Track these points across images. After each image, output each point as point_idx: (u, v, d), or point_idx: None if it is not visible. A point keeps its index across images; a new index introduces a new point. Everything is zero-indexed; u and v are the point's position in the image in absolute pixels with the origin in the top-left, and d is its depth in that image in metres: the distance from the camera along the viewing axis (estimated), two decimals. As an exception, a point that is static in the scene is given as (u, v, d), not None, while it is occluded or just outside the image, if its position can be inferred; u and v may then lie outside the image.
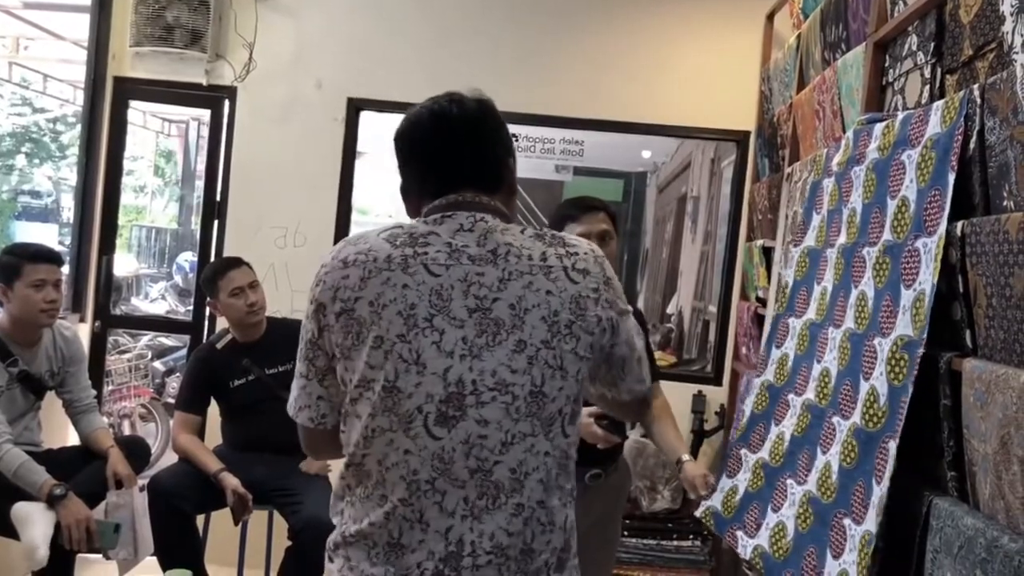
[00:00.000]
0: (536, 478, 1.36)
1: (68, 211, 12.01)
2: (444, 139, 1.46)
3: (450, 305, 1.35)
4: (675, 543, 3.62)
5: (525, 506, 1.35)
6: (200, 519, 3.25)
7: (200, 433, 3.41)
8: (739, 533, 2.30)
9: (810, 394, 2.15)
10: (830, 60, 2.70)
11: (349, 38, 4.06)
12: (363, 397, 1.38)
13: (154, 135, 11.66)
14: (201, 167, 8.42)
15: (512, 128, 1.56)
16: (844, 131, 2.46)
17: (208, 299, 3.39)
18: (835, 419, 1.97)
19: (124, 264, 8.92)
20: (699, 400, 3.92)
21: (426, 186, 1.47)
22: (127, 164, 4.48)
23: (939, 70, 1.92)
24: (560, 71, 3.99)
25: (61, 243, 8.88)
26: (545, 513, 1.37)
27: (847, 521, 1.82)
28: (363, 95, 4.04)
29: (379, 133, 4.55)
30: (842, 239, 2.12)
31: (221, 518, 3.20)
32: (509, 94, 3.70)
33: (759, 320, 3.35)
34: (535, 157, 4.34)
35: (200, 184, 4.09)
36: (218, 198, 4.11)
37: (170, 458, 3.69)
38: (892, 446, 1.66)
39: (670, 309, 6.49)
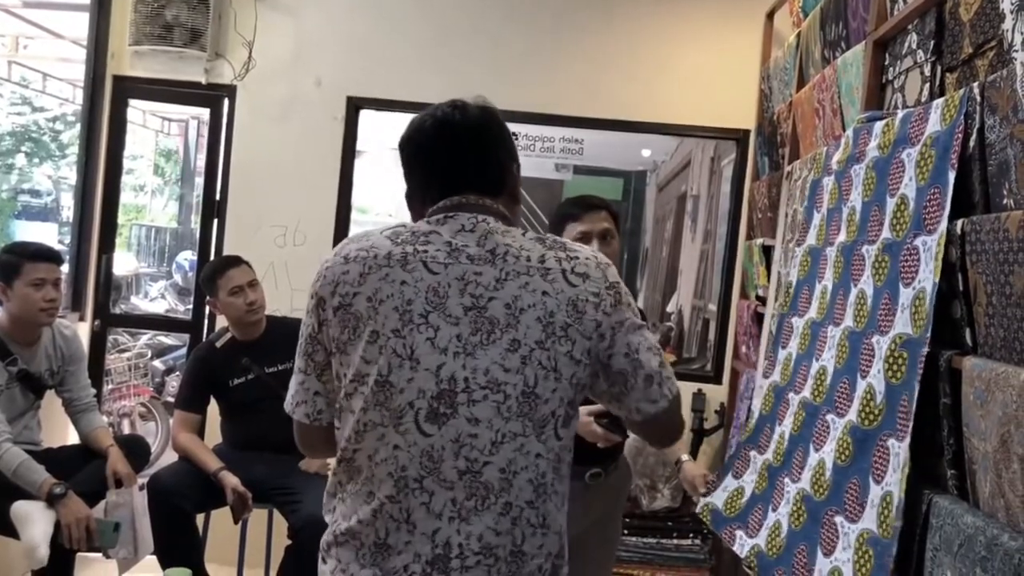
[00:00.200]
0: (525, 478, 1.35)
1: (68, 210, 12.01)
2: (447, 145, 1.47)
3: (446, 302, 1.36)
4: (675, 541, 3.62)
5: (513, 505, 1.35)
6: (200, 518, 3.25)
7: (200, 432, 3.41)
8: (739, 532, 2.30)
9: (806, 392, 2.15)
10: (830, 58, 2.70)
11: (348, 37, 4.06)
12: (357, 392, 1.39)
13: (154, 134, 11.66)
14: (201, 166, 8.43)
15: (512, 127, 1.56)
16: (844, 129, 2.45)
17: (208, 298, 3.39)
18: (829, 416, 1.97)
19: (124, 263, 8.92)
20: (699, 399, 3.92)
21: (429, 191, 1.48)
22: (127, 163, 4.47)
23: (939, 68, 1.92)
24: (560, 70, 3.99)
25: (61, 242, 8.87)
26: (536, 515, 1.37)
27: (839, 519, 1.82)
28: (363, 94, 4.04)
29: (379, 132, 4.56)
30: (842, 237, 2.12)
31: (221, 517, 3.20)
32: (509, 93, 3.71)
33: (759, 319, 3.35)
34: (535, 156, 4.34)
35: (200, 183, 4.09)
36: (218, 197, 4.11)
37: (170, 457, 3.69)
38: (893, 444, 1.66)
39: (670, 308, 6.49)
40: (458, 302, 1.36)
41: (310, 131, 4.05)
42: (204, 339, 3.72)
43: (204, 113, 4.34)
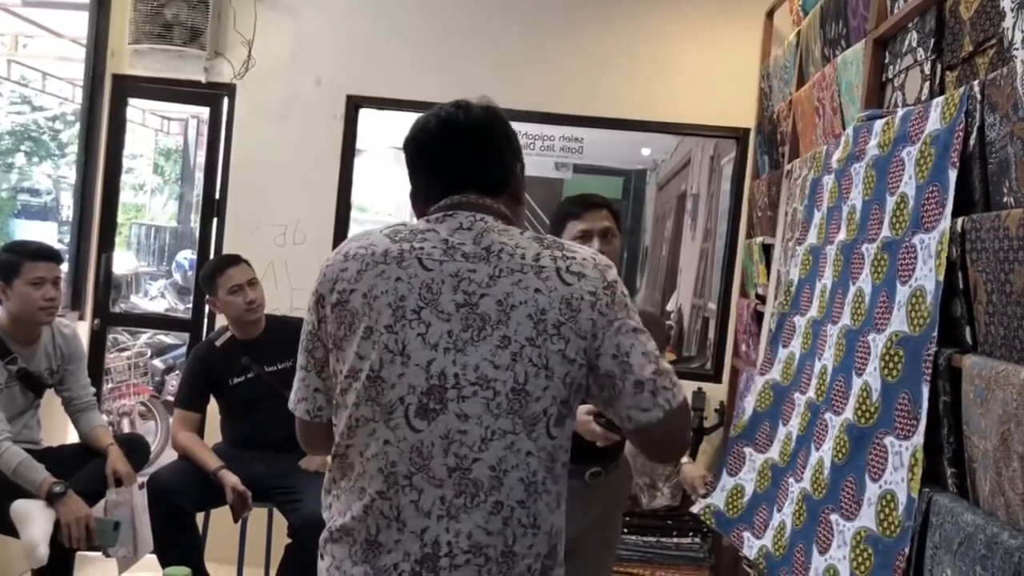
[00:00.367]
0: (516, 476, 1.35)
1: (67, 209, 12.00)
2: (450, 145, 1.47)
3: (439, 299, 1.36)
4: (675, 540, 3.62)
5: (504, 504, 1.35)
6: (200, 517, 3.25)
7: (200, 431, 3.41)
8: (746, 534, 2.30)
9: (811, 392, 2.15)
10: (830, 57, 2.70)
11: (348, 35, 4.06)
12: (351, 388, 1.40)
13: (153, 133, 11.66)
14: (200, 164, 8.42)
15: (512, 126, 1.55)
16: (844, 128, 2.45)
17: (207, 297, 3.39)
18: (827, 415, 1.97)
19: (123, 262, 8.92)
20: (699, 397, 3.92)
21: (433, 191, 1.49)
22: (126, 162, 4.47)
23: (939, 66, 1.92)
24: (560, 68, 3.98)
25: (60, 241, 8.87)
26: (527, 515, 1.36)
27: (834, 517, 1.82)
28: (362, 92, 4.04)
29: (378, 130, 4.56)
30: (842, 236, 2.12)
31: (221, 516, 3.20)
32: (508, 91, 3.70)
33: (759, 317, 3.35)
34: (535, 155, 4.34)
35: (199, 182, 4.09)
36: (217, 196, 4.11)
37: (169, 456, 3.69)
38: (892, 442, 1.66)
39: (670, 306, 6.49)
40: (451, 298, 1.36)
41: (310, 130, 4.05)
42: (204, 338, 3.71)
43: (204, 112, 4.34)
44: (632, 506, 3.59)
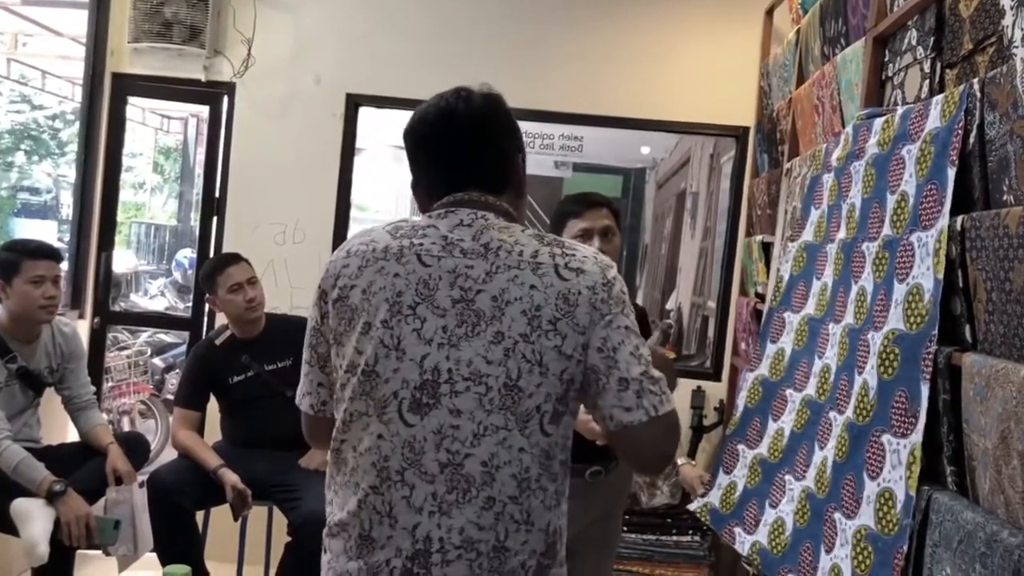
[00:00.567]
0: (508, 472, 1.34)
1: (67, 208, 12.00)
2: (450, 137, 1.46)
3: (435, 295, 1.37)
4: (674, 538, 3.62)
5: (496, 500, 1.34)
6: (200, 515, 3.25)
7: (199, 429, 3.41)
8: (737, 530, 2.30)
9: (810, 390, 2.15)
10: (829, 55, 2.70)
11: (347, 34, 4.06)
12: (349, 382, 1.41)
13: (153, 131, 11.66)
14: (200, 163, 8.41)
15: (512, 114, 1.54)
16: (844, 126, 2.45)
17: (207, 295, 3.39)
18: (831, 414, 1.97)
19: (123, 260, 8.92)
20: (698, 396, 3.92)
21: (434, 184, 1.49)
22: (126, 160, 4.47)
23: (939, 64, 1.92)
24: (559, 67, 3.98)
25: (60, 240, 8.86)
26: (520, 511, 1.35)
27: (837, 515, 1.82)
28: (362, 91, 4.04)
29: (378, 129, 4.56)
30: (842, 234, 2.12)
31: (221, 514, 3.20)
32: (508, 90, 3.67)
33: (758, 316, 3.34)
34: (534, 153, 4.33)
35: (199, 180, 4.09)
36: (217, 194, 4.10)
37: (169, 454, 3.69)
38: (890, 440, 1.66)
39: (669, 305, 6.49)
40: (447, 294, 1.36)
41: (309, 128, 4.05)
42: (204, 336, 3.71)
43: (203, 111, 4.34)
44: (632, 504, 3.59)
